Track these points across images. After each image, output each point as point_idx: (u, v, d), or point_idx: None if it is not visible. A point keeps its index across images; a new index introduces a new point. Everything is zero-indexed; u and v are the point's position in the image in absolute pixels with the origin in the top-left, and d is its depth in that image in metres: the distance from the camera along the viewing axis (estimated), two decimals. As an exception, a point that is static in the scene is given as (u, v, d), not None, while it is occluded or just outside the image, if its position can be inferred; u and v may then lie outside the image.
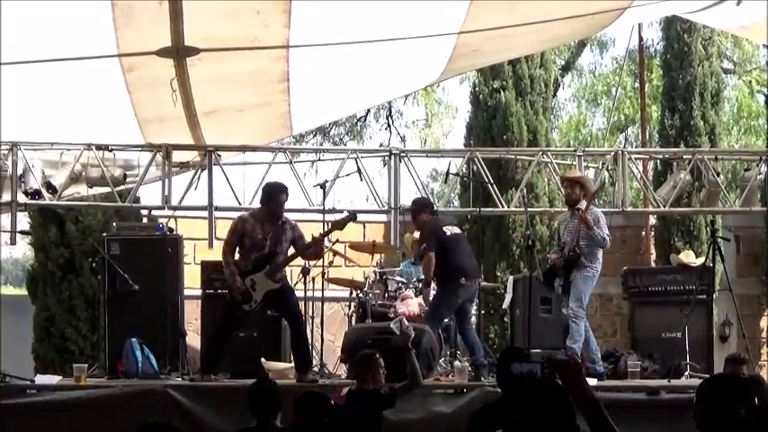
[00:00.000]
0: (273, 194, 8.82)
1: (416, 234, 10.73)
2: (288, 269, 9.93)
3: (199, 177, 10.20)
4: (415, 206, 9.71)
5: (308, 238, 8.97)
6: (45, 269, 12.05)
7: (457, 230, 9.60)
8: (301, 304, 10.09)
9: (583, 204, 8.98)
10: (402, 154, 10.50)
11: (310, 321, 10.08)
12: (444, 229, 9.44)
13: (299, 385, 8.46)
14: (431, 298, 9.42)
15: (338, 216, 9.49)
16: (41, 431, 7.96)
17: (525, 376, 4.21)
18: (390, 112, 20.45)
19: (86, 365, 8.98)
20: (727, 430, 3.85)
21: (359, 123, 20.55)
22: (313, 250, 8.95)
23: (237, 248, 8.81)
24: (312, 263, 9.92)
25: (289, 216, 9.16)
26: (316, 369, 9.47)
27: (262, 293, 8.70)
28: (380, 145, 19.17)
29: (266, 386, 6.33)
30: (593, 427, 3.73)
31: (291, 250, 8.94)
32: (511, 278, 11.20)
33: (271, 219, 8.76)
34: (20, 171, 9.77)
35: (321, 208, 10.06)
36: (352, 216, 9.15)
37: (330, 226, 9.08)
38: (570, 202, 9.15)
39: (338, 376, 9.56)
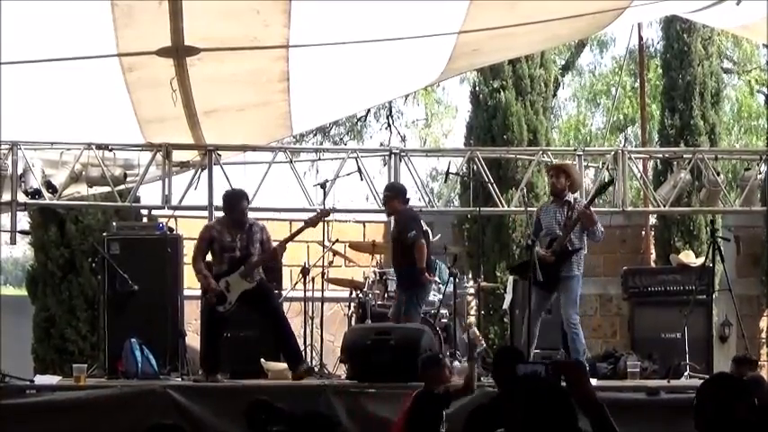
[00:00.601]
0: (233, 203, 8.86)
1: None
2: (287, 269, 9.96)
3: (199, 177, 10.21)
4: (390, 192, 9.50)
5: (306, 238, 9.01)
6: (45, 269, 12.04)
7: (426, 226, 9.49)
8: (301, 304, 10.11)
9: (570, 197, 8.94)
10: (402, 153, 10.50)
11: (310, 322, 10.09)
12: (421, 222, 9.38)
13: (297, 385, 8.47)
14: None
15: (339, 215, 9.54)
16: (41, 431, 7.95)
17: (529, 377, 4.22)
18: (390, 111, 20.45)
19: (86, 366, 8.97)
20: (727, 431, 3.85)
21: (359, 123, 20.55)
22: (279, 248, 8.95)
23: (210, 255, 8.87)
24: (312, 262, 9.92)
25: (289, 215, 9.21)
26: (316, 369, 9.48)
27: (236, 294, 8.73)
28: (380, 145, 19.18)
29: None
30: (596, 431, 3.74)
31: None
32: (511, 278, 11.18)
33: (236, 224, 8.79)
34: (20, 171, 9.77)
35: (321, 208, 10.06)
36: (325, 213, 9.17)
37: (303, 225, 9.06)
38: (555, 191, 9.01)
39: (338, 376, 9.56)
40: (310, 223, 9.05)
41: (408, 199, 9.58)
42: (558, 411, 3.69)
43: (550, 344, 9.31)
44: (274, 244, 8.94)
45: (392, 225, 9.66)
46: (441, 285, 9.99)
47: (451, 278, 9.76)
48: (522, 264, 9.30)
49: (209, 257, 8.95)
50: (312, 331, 10.07)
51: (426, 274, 9.17)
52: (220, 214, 10.07)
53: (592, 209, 8.93)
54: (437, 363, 6.98)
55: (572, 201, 8.91)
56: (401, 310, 9.25)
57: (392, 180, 10.25)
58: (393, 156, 10.37)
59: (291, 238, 9.05)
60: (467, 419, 5.84)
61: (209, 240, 8.84)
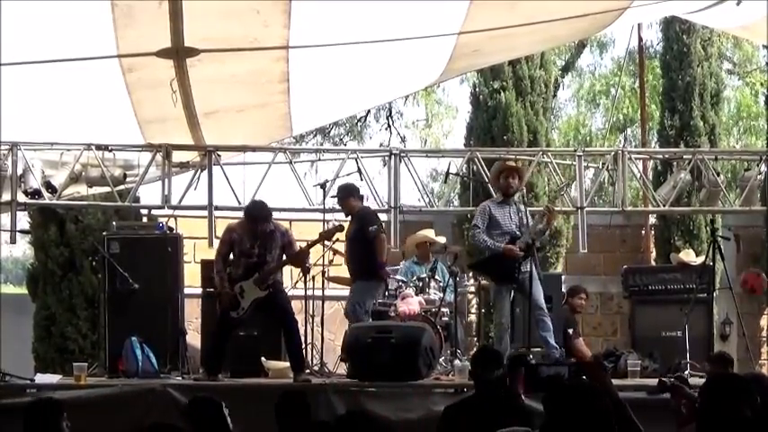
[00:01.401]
0: (253, 215, 8.83)
1: (427, 232, 10.74)
2: (287, 269, 9.96)
3: (199, 177, 10.21)
4: (343, 192, 9.61)
5: (306, 237, 9.02)
6: (45, 268, 12.04)
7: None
8: (302, 303, 10.11)
9: (518, 196, 9.07)
10: (402, 154, 10.50)
11: (311, 320, 10.09)
12: None
13: (296, 384, 8.48)
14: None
15: (339, 215, 9.55)
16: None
17: (553, 379, 4.24)
18: (390, 112, 20.46)
19: (86, 365, 8.97)
20: (731, 430, 3.85)
21: (359, 123, 20.55)
22: (298, 261, 9.00)
23: (231, 257, 8.89)
24: (312, 261, 9.94)
25: (289, 215, 9.24)
26: (316, 368, 9.50)
27: (249, 300, 8.75)
28: (380, 145, 19.18)
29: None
30: (619, 428, 3.74)
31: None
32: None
33: (255, 230, 8.81)
34: (20, 171, 9.77)
35: (321, 208, 10.08)
36: (340, 227, 9.18)
37: (317, 237, 9.09)
38: (510, 192, 9.08)
39: (339, 375, 9.57)
40: (325, 236, 9.12)
41: (362, 196, 9.65)
42: (595, 413, 3.68)
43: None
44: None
45: (349, 224, 9.60)
46: (441, 284, 10.01)
47: (452, 277, 9.79)
48: (486, 260, 9.33)
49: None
50: (313, 330, 10.08)
51: (384, 271, 9.30)
52: (220, 214, 10.14)
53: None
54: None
55: (517, 201, 9.07)
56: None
57: (392, 180, 10.26)
58: (393, 156, 10.36)
59: (306, 249, 9.05)
60: (442, 416, 5.90)
61: (229, 243, 8.87)
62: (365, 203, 9.83)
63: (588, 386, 3.87)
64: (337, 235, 9.33)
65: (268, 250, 8.78)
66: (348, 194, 9.59)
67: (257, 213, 8.86)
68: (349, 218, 9.70)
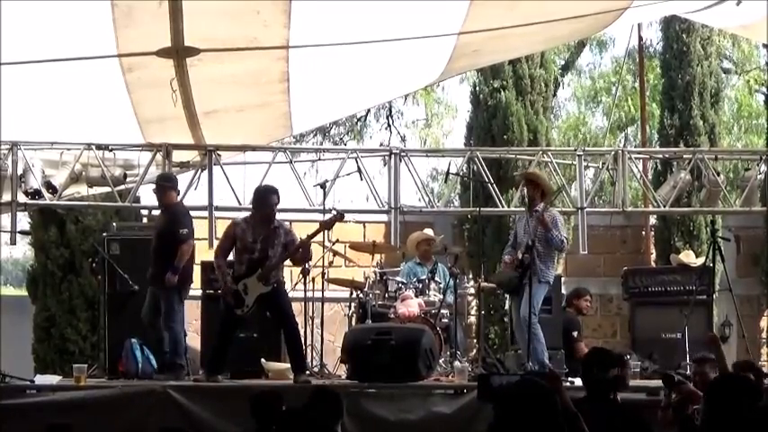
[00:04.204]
0: (264, 198, 8.83)
1: (428, 231, 10.73)
2: (288, 270, 9.95)
3: (199, 177, 10.20)
4: (168, 182, 9.31)
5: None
6: (45, 269, 12.03)
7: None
8: (301, 305, 10.10)
9: (540, 205, 8.98)
10: (402, 153, 10.49)
11: (310, 322, 10.08)
12: None
13: (297, 385, 8.47)
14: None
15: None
16: (41, 431, 7.95)
17: (504, 388, 4.22)
18: (390, 111, 20.43)
19: (86, 366, 8.96)
20: (735, 429, 3.85)
21: (359, 123, 20.53)
22: (300, 254, 8.93)
23: (233, 252, 8.87)
24: (312, 263, 9.92)
25: (289, 216, 9.24)
26: (316, 369, 9.48)
27: (254, 297, 8.72)
28: (380, 145, 19.14)
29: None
30: None
31: None
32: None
33: (263, 222, 8.78)
34: (20, 171, 9.77)
35: (321, 208, 10.06)
36: (340, 216, 9.12)
37: (318, 227, 9.05)
38: (531, 203, 9.14)
39: (338, 377, 9.56)
40: (325, 226, 9.05)
41: (179, 191, 9.48)
42: (541, 409, 3.68)
43: (550, 344, 9.30)
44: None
45: (160, 215, 9.41)
46: (441, 285, 10.00)
47: (452, 278, 9.78)
48: (495, 274, 9.59)
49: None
50: (312, 331, 10.06)
51: (174, 277, 8.94)
52: (220, 215, 10.13)
53: (554, 212, 9.07)
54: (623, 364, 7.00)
55: (540, 210, 8.99)
56: (157, 309, 9.02)
57: (392, 180, 10.26)
58: (393, 156, 10.36)
59: (308, 239, 9.02)
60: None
61: (232, 237, 8.84)
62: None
63: (537, 384, 3.86)
64: (338, 224, 9.27)
65: (270, 245, 8.77)
66: (172, 186, 9.30)
67: (264, 192, 8.85)
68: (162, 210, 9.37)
